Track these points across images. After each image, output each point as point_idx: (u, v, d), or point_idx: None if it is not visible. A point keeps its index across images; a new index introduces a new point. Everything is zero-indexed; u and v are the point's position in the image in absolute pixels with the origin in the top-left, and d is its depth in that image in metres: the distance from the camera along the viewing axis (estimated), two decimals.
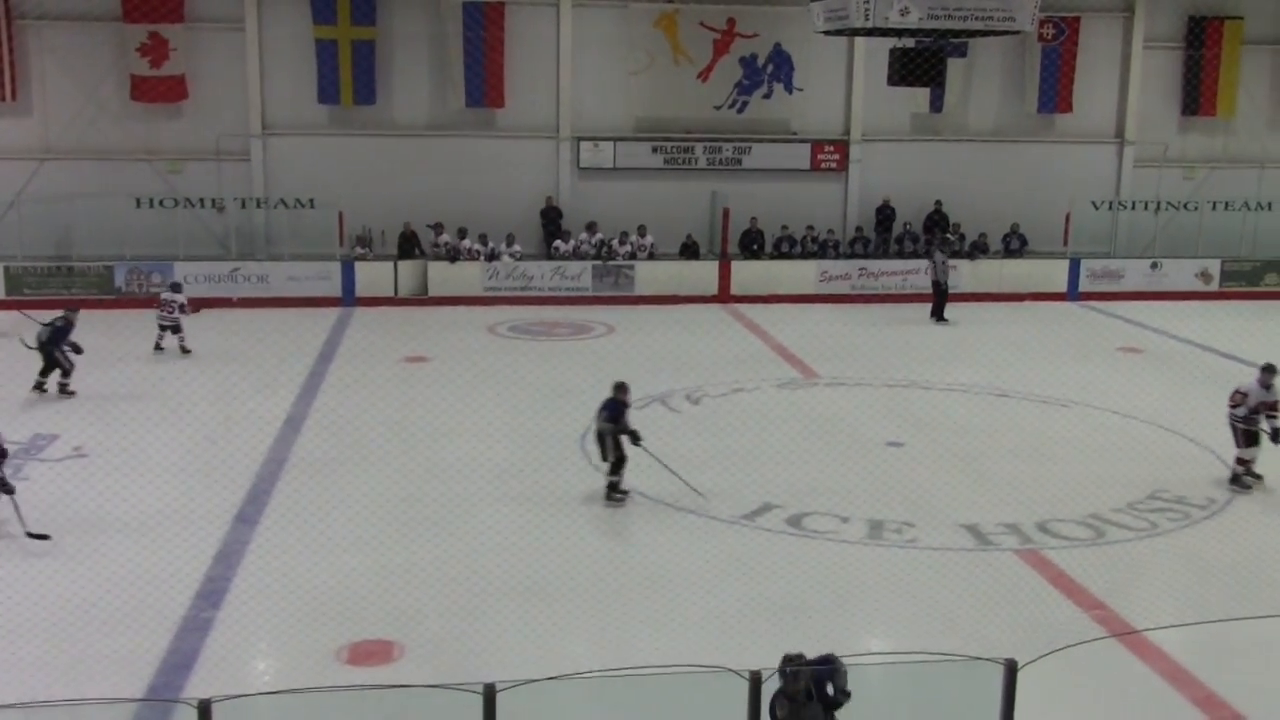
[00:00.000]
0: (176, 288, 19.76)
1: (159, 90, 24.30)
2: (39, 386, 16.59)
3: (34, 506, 12.27)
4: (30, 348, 16.53)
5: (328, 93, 24.66)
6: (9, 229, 23.77)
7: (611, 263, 24.74)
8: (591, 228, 25.11)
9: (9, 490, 11.31)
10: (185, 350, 19.10)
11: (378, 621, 9.78)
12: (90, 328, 20.44)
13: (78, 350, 16.56)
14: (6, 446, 9.67)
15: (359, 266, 23.92)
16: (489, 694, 6.31)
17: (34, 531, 11.12)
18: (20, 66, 24.12)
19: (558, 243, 25.01)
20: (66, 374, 16.63)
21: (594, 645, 9.57)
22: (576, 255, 24.89)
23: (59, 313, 17.05)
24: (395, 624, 9.74)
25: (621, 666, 8.26)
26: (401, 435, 14.95)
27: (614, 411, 12.47)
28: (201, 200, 24.31)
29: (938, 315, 23.13)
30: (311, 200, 24.06)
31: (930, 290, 23.44)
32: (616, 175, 25.94)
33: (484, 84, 24.96)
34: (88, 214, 23.77)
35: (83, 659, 9.12)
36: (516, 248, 24.73)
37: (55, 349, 16.47)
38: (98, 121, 24.53)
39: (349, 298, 23.68)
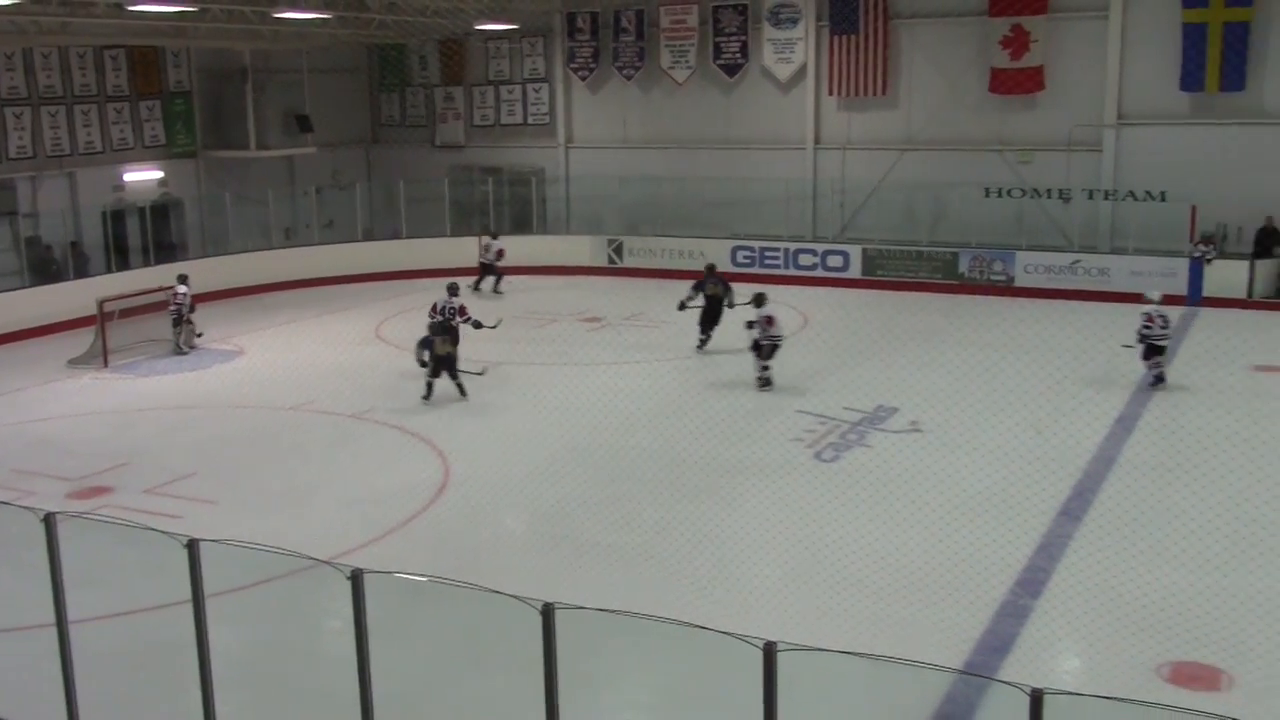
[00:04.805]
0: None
1: (1017, 82, 24.72)
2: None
3: (868, 470, 13.24)
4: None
5: (1192, 79, 23.26)
6: (869, 213, 26.02)
7: None
8: None
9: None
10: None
11: (1205, 645, 9.05)
12: (934, 309, 21.53)
13: None
14: None
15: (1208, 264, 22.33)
16: None
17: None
18: (891, 63, 25.94)
19: None
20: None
21: None
22: None
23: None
24: (1225, 651, 8.94)
25: None
26: (1247, 451, 13.63)
27: None
28: (1048, 191, 24.31)
29: None
30: (1163, 193, 22.97)
31: None
32: None
33: None
34: (939, 201, 25.01)
35: (908, 622, 9.59)
36: None
37: None
38: (955, 113, 25.58)
39: (1195, 296, 22.17)
